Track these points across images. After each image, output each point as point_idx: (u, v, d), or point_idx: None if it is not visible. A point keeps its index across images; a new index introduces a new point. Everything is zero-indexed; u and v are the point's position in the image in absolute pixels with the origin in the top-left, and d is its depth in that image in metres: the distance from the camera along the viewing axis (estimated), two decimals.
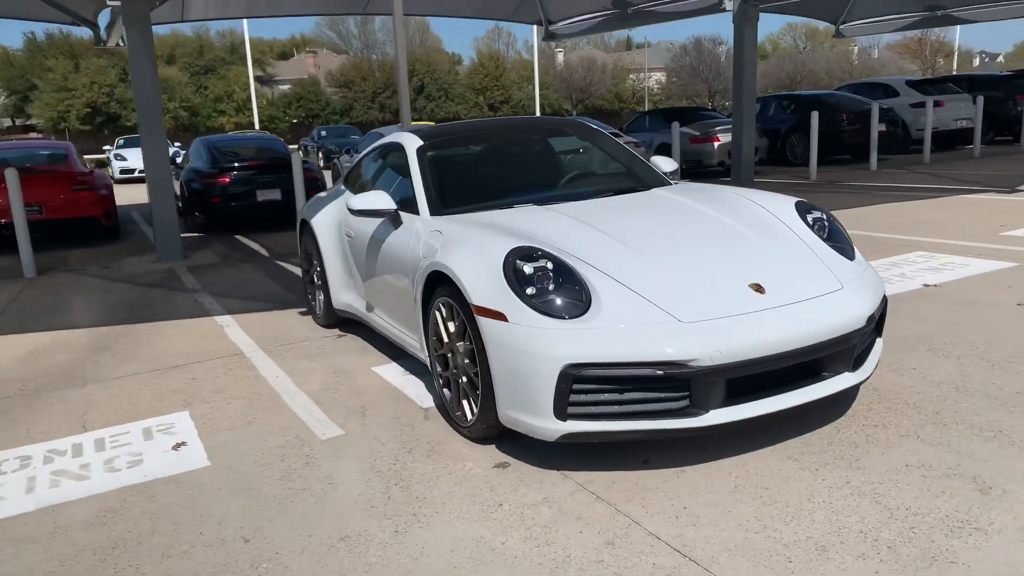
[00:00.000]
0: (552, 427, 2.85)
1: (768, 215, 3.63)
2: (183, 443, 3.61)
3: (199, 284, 7.38)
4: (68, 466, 3.44)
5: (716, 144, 14.71)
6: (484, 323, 2.99)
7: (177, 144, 25.41)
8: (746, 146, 12.64)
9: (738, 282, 3.04)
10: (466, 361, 3.26)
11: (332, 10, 13.70)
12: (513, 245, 3.10)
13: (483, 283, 3.05)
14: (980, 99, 15.21)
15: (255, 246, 9.63)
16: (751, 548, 2.42)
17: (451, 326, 3.37)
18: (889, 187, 11.21)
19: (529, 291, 2.94)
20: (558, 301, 2.90)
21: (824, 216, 3.65)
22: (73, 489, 3.21)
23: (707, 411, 2.80)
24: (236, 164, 10.81)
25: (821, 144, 13.58)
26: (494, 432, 3.23)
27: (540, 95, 60.67)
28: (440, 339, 3.49)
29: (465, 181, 4.28)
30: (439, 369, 3.58)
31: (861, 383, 3.15)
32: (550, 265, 3.01)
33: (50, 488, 3.23)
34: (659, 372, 2.73)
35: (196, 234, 10.98)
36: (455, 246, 3.35)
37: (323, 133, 25.75)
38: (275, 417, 3.85)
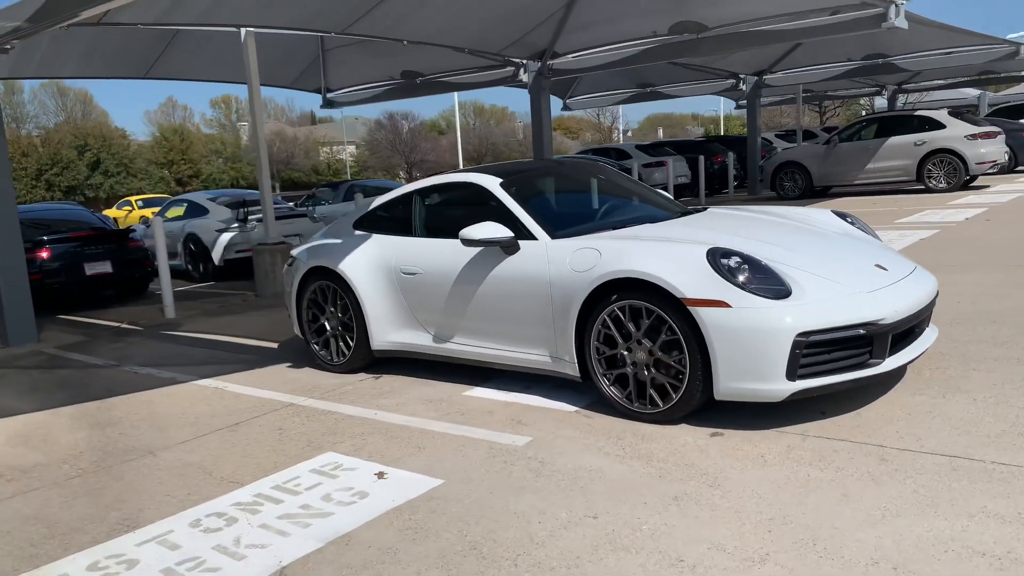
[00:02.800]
0: (783, 388, 3.50)
1: (821, 221, 4.64)
2: (383, 473, 3.62)
3: (108, 360, 6.65)
4: (287, 510, 3.31)
5: None
6: (703, 312, 3.56)
7: None
8: None
9: (867, 264, 3.96)
10: (660, 354, 3.76)
11: (114, 74, 12.80)
12: (708, 247, 3.72)
13: (690, 279, 3.62)
14: (701, 158, 18.39)
15: (106, 322, 8.69)
16: (980, 443, 3.28)
17: (631, 327, 3.85)
18: None
19: (739, 280, 3.58)
20: (768, 286, 3.58)
21: (854, 219, 4.75)
22: (331, 524, 3.14)
23: (884, 360, 3.65)
24: (52, 237, 9.66)
25: None
26: (689, 411, 3.77)
27: (232, 168, 59.22)
28: (611, 342, 3.94)
29: (561, 209, 4.77)
30: (602, 370, 4.02)
31: (937, 336, 4.22)
32: (741, 260, 3.68)
33: (304, 528, 3.12)
34: (862, 331, 3.53)
35: None
36: (635, 255, 3.84)
37: None
38: (436, 441, 3.96)
